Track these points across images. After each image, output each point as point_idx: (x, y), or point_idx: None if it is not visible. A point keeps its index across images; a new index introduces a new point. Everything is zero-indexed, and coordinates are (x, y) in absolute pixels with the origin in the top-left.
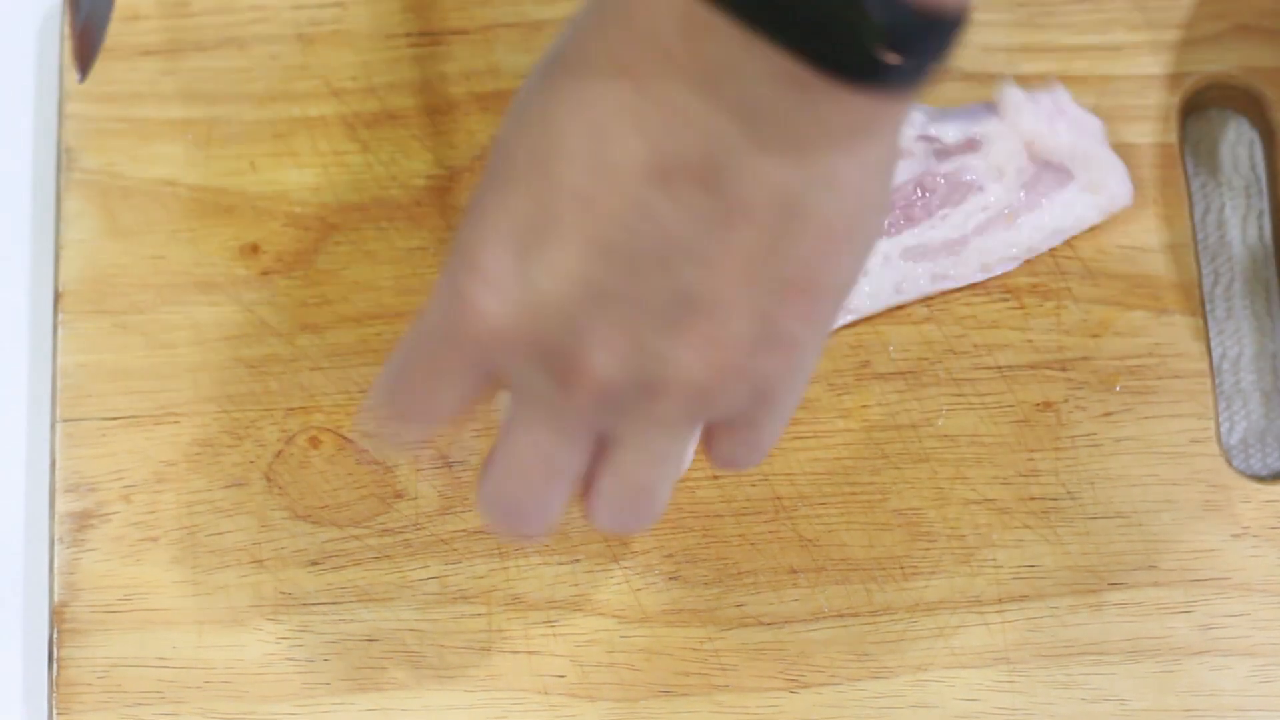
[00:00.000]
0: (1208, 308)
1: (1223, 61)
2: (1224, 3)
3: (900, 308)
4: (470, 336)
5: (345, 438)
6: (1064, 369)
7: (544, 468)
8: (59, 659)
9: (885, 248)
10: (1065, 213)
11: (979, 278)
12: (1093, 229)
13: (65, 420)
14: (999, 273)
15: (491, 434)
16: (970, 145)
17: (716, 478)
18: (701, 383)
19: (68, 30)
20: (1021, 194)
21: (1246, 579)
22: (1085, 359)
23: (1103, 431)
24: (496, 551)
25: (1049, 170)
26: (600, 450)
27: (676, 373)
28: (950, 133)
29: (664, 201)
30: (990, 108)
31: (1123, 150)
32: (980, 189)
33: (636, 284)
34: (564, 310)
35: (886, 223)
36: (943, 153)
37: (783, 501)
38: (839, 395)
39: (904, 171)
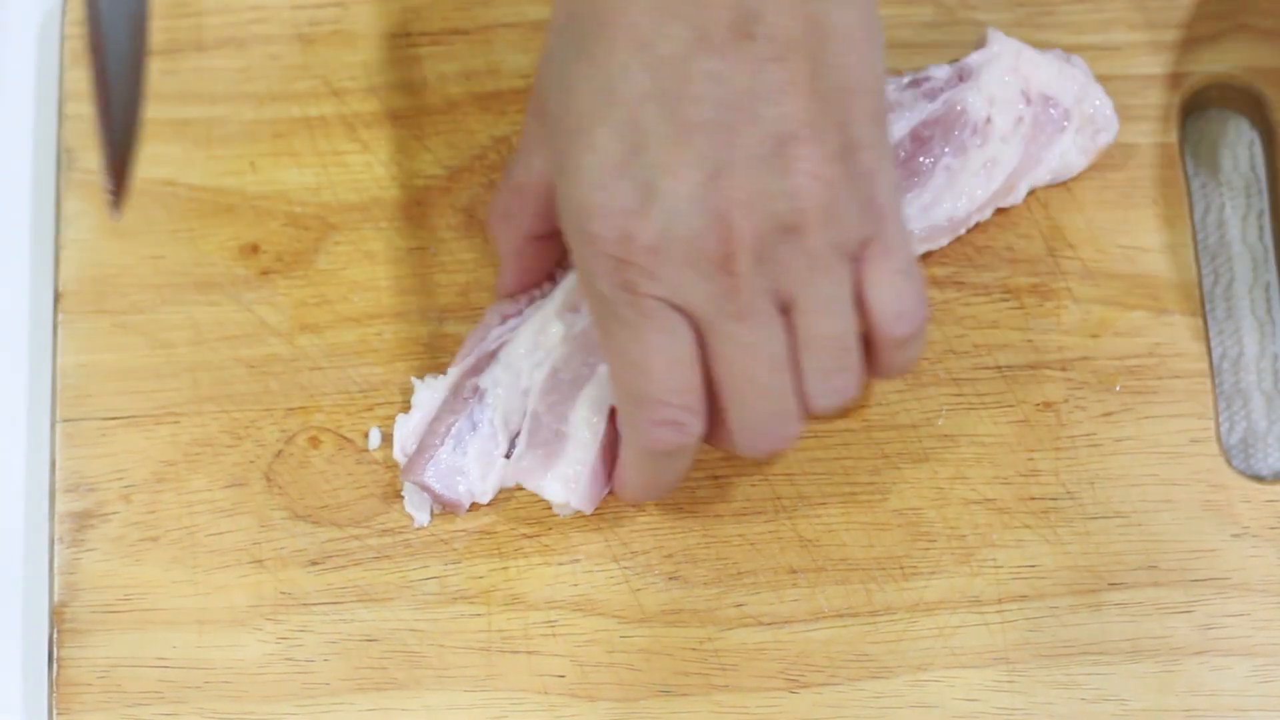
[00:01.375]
0: (1208, 308)
1: (1223, 61)
2: (1224, 3)
3: None
4: (637, 270)
5: (345, 437)
6: (1064, 369)
7: (763, 360)
8: (59, 659)
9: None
10: (1060, 163)
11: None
12: (1092, 229)
13: (65, 420)
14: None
15: None
16: (961, 76)
17: (717, 477)
18: (825, 202)
19: (101, 160)
20: (1021, 149)
21: (1246, 579)
22: (1085, 359)
23: (1103, 431)
24: (496, 552)
25: (1046, 115)
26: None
27: (803, 201)
28: (939, 71)
29: (723, 64)
30: (978, 47)
31: (1123, 150)
32: (977, 131)
33: (737, 144)
34: (692, 198)
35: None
36: (933, 91)
37: (782, 501)
38: None
39: (897, 124)
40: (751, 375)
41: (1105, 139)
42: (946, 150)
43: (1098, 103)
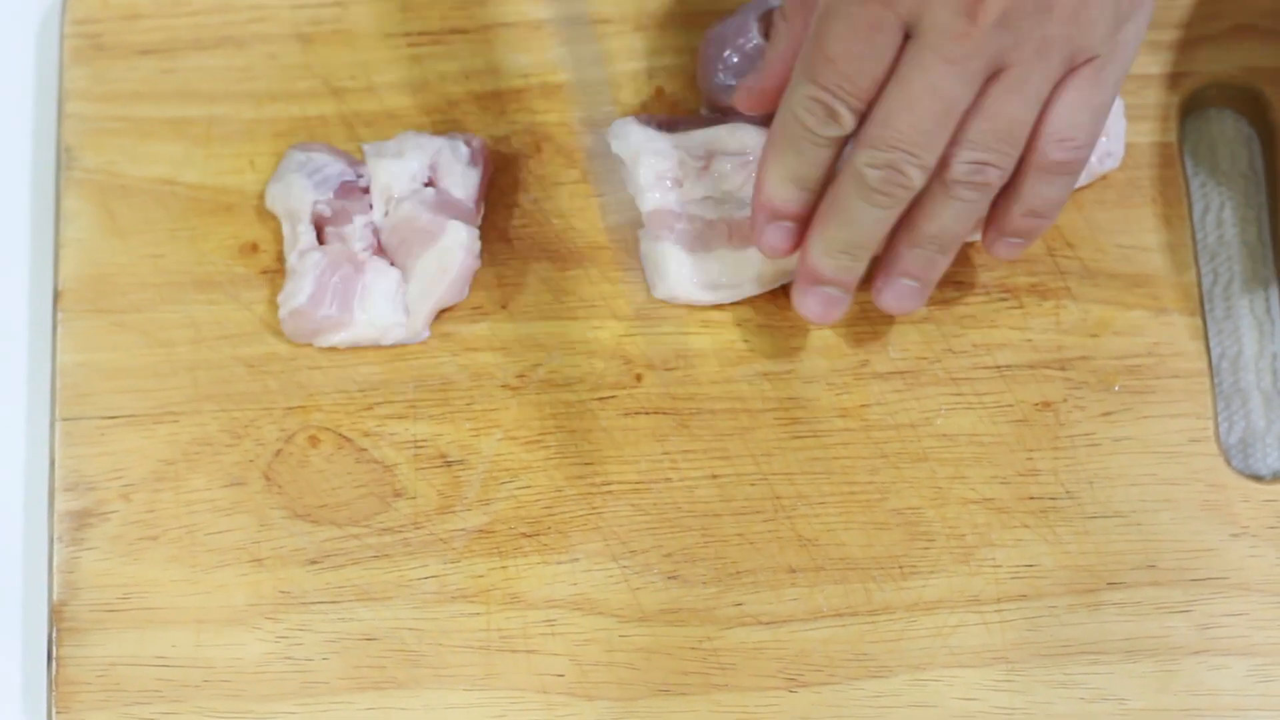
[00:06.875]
0: (1206, 307)
1: (1222, 61)
2: (1224, 3)
3: None
4: None
5: (344, 436)
6: (1063, 368)
7: (936, 103)
8: (58, 657)
9: None
10: None
11: None
12: (1091, 228)
13: (64, 419)
14: None
15: (486, 431)
16: None
17: (716, 477)
18: (1085, 2)
19: None
20: None
21: (1245, 578)
22: (1084, 358)
23: (1101, 431)
24: (495, 551)
25: None
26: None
27: None
28: None
29: None
30: None
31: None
32: None
33: None
34: None
35: None
36: None
37: (781, 501)
38: (838, 394)
39: None
40: (917, 108)
41: (1110, 164)
42: None
43: (1110, 117)
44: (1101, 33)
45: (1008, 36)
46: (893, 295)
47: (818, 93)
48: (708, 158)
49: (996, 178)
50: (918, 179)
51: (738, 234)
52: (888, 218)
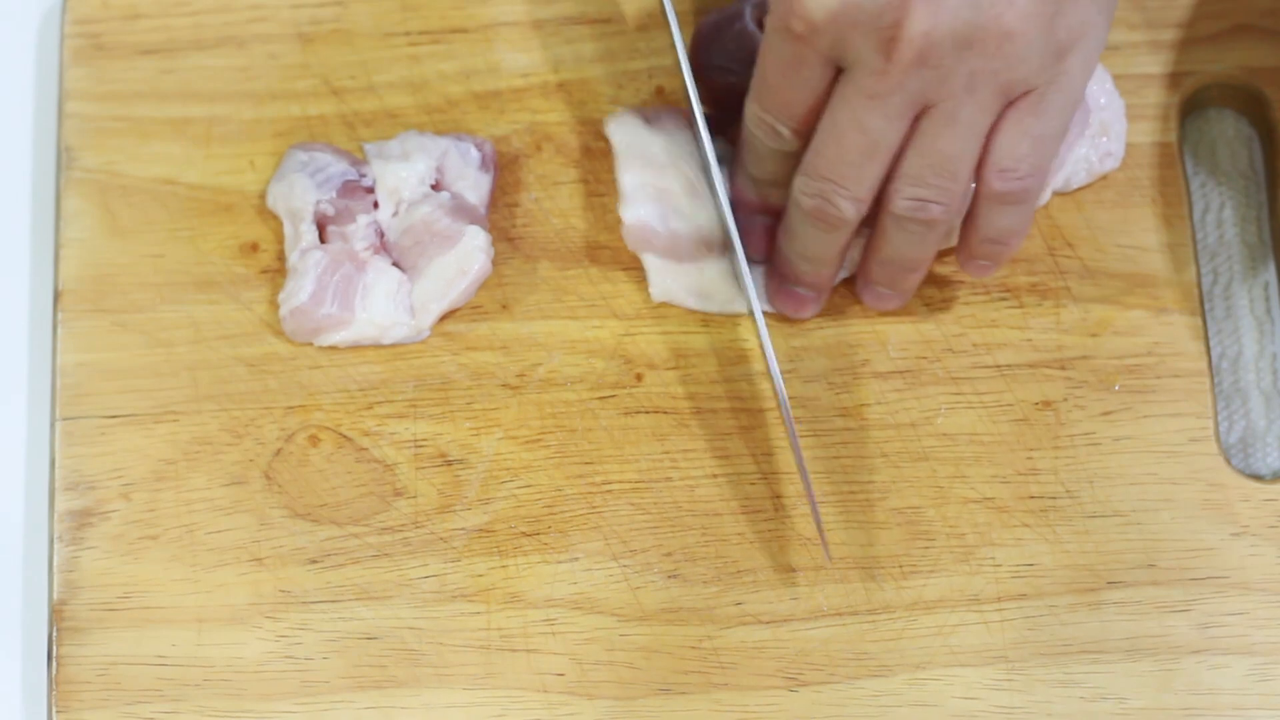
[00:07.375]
0: (1207, 307)
1: (1222, 61)
2: (1224, 3)
3: None
4: (807, 24)
5: (345, 436)
6: (1063, 368)
7: (861, 138)
8: (58, 657)
9: None
10: (1071, 170)
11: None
12: (1091, 228)
13: (65, 419)
14: None
15: (486, 430)
16: None
17: (715, 476)
18: (1012, 29)
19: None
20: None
21: (1245, 578)
22: (1084, 358)
23: (1102, 430)
24: (495, 550)
25: (1079, 111)
26: (910, 134)
27: (990, 21)
28: None
29: None
30: None
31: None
32: None
33: None
34: None
35: None
36: None
37: (782, 500)
38: (838, 394)
39: None
40: (843, 146)
41: (1110, 164)
42: None
43: (1114, 118)
44: (1035, 65)
45: (930, 73)
46: (870, 297)
47: (761, 113)
48: (704, 174)
49: (939, 212)
50: (848, 210)
51: (719, 250)
52: (833, 240)
